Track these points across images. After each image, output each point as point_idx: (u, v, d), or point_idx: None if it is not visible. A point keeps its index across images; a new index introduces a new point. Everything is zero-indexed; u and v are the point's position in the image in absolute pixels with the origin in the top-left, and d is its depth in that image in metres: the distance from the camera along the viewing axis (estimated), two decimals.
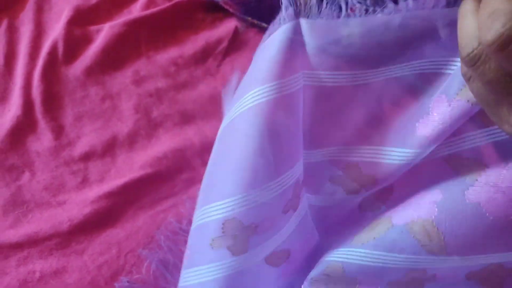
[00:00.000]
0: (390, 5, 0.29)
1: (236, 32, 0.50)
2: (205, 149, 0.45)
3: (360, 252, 0.33)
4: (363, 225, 0.35)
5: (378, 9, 0.29)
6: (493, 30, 0.19)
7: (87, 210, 0.42)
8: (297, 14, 0.31)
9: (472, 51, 0.22)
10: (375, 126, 0.33)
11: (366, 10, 0.30)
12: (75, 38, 0.48)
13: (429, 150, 0.32)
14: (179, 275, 0.41)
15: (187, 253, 0.35)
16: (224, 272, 0.32)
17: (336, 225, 0.38)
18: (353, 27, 0.30)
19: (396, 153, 0.33)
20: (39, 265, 0.41)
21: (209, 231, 0.32)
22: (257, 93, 0.31)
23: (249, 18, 0.51)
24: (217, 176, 0.34)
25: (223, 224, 0.31)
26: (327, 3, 0.30)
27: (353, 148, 0.34)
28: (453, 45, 0.29)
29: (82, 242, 0.42)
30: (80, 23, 0.49)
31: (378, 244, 0.32)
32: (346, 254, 0.33)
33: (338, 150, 0.35)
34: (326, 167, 0.35)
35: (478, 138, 0.32)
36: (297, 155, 0.34)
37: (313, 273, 0.34)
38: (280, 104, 0.31)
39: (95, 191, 0.43)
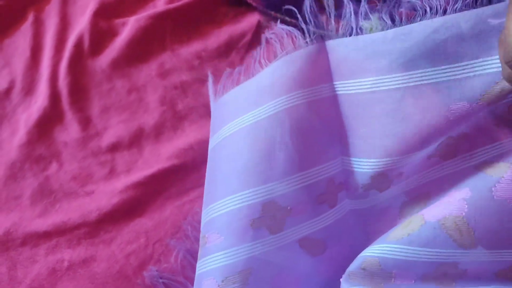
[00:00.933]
0: (388, 22, 0.37)
1: (258, 26, 0.51)
2: None
3: (395, 247, 0.34)
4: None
5: (380, 27, 0.37)
6: None
7: (115, 200, 0.43)
8: (323, 38, 0.40)
9: None
10: (397, 129, 0.36)
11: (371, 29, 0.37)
12: (101, 31, 0.49)
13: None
14: None
15: (216, 237, 0.37)
16: (261, 250, 0.36)
17: (377, 232, 0.40)
18: (360, 43, 0.37)
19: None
20: (68, 254, 0.42)
21: (250, 212, 0.36)
22: (289, 98, 0.37)
23: (272, 12, 0.51)
24: (249, 167, 0.37)
25: (262, 206, 0.36)
26: (342, 26, 0.39)
27: (370, 160, 0.37)
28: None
29: (111, 232, 0.43)
30: (105, 16, 0.50)
31: (412, 240, 0.34)
32: (382, 250, 0.35)
33: (360, 161, 0.38)
34: (356, 175, 0.38)
35: (506, 145, 0.35)
36: (329, 155, 0.38)
37: (351, 267, 0.36)
38: (309, 108, 0.38)
39: (122, 182, 0.44)
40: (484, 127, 0.35)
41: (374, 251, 0.35)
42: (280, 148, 0.37)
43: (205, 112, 0.47)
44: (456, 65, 0.32)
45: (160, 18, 0.49)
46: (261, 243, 0.36)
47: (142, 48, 0.48)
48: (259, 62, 0.43)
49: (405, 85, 0.34)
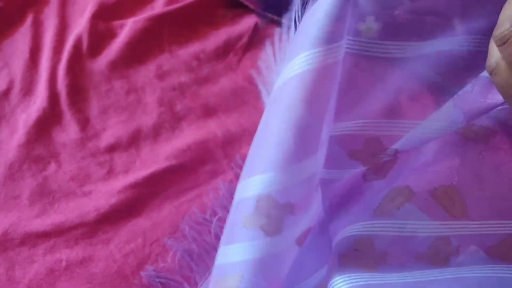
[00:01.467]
0: None
1: (256, 28, 0.51)
2: (227, 141, 0.46)
3: (387, 223, 0.33)
4: (369, 193, 0.35)
5: None
6: None
7: (113, 200, 0.43)
8: None
9: (503, 32, 0.23)
10: (403, 102, 0.34)
11: None
12: (99, 33, 0.49)
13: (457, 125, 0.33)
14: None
15: (225, 229, 0.33)
16: (256, 254, 0.30)
17: (341, 198, 0.37)
18: None
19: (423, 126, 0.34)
20: (66, 254, 0.42)
21: (243, 207, 0.31)
22: (302, 59, 0.30)
23: (269, 14, 0.51)
24: (258, 148, 0.32)
25: (257, 201, 0.30)
26: None
27: (375, 122, 0.34)
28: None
29: (108, 232, 0.43)
30: (104, 18, 0.50)
31: (404, 213, 0.33)
32: (373, 227, 0.34)
33: (360, 124, 0.34)
34: (346, 140, 0.34)
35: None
36: (329, 129, 0.33)
37: (341, 250, 0.33)
38: (323, 74, 0.30)
39: (121, 182, 0.44)
40: None
41: (365, 228, 0.33)
42: (288, 125, 0.30)
43: (203, 113, 0.48)
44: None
45: (158, 20, 0.50)
46: (256, 246, 0.30)
47: (140, 49, 0.49)
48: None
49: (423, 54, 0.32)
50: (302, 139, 0.30)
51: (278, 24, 0.50)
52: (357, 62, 0.33)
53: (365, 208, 0.36)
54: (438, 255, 0.34)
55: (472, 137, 0.34)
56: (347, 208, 0.36)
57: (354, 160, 0.35)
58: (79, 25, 0.50)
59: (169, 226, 0.43)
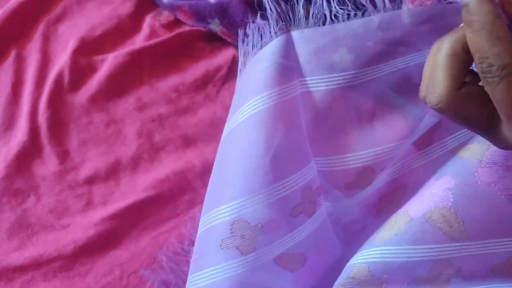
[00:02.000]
0: (369, 7, 0.32)
1: (234, 60, 0.53)
2: (206, 171, 0.47)
3: (384, 249, 0.33)
4: (382, 225, 0.36)
5: (359, 13, 0.32)
6: None
7: (91, 232, 0.43)
8: (287, 27, 0.34)
9: (423, 98, 0.27)
10: (369, 126, 0.35)
11: (348, 15, 0.33)
12: (80, 67, 0.50)
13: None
14: None
15: (194, 258, 0.36)
16: (234, 271, 0.33)
17: (354, 233, 0.39)
18: (338, 32, 0.33)
19: (394, 145, 0.35)
20: (43, 287, 0.42)
21: (219, 232, 0.34)
22: (257, 101, 0.34)
23: None
24: (222, 181, 0.35)
25: (231, 225, 0.33)
26: (313, 14, 0.34)
27: (354, 155, 0.35)
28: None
29: (86, 264, 0.43)
30: (85, 53, 0.51)
31: (400, 239, 0.33)
32: (370, 254, 0.34)
33: (341, 158, 0.36)
34: (337, 175, 0.36)
35: None
36: (303, 160, 0.35)
37: (339, 279, 0.34)
38: (280, 110, 0.34)
39: (98, 214, 0.44)
40: None
41: (362, 257, 0.34)
42: (250, 159, 0.34)
43: (182, 143, 0.48)
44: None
45: (138, 54, 0.51)
46: (234, 264, 0.34)
47: (121, 83, 0.50)
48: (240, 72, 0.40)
49: (386, 73, 0.33)
50: (266, 168, 0.33)
51: None
52: (315, 98, 0.35)
53: (367, 240, 0.36)
54: (440, 277, 0.33)
55: (467, 156, 0.34)
56: (361, 243, 0.37)
57: (351, 189, 0.37)
58: (61, 60, 0.51)
59: (147, 257, 0.43)
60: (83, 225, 0.44)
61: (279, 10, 0.34)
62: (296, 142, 0.35)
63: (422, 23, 0.33)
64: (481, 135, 0.26)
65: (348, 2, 0.33)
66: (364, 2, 0.32)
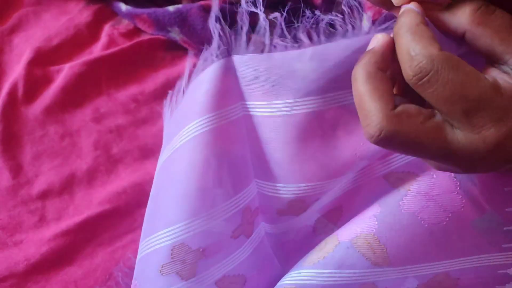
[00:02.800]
0: (305, 40, 0.33)
1: (195, 68, 0.52)
2: None
3: (312, 272, 0.33)
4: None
5: (295, 45, 0.34)
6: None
7: (44, 249, 0.42)
8: (229, 52, 0.35)
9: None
10: (294, 161, 0.34)
11: (285, 46, 0.34)
12: (35, 78, 0.49)
13: (357, 169, 0.34)
14: None
15: (134, 284, 0.35)
16: None
17: (294, 251, 0.39)
18: (276, 60, 0.33)
19: (322, 184, 0.35)
20: None
21: (158, 258, 0.33)
22: (197, 124, 0.34)
23: None
24: (162, 205, 0.35)
25: (171, 250, 0.33)
26: (254, 41, 0.35)
27: (289, 186, 0.35)
28: None
29: (39, 282, 0.41)
30: (41, 64, 0.50)
31: (327, 262, 0.33)
32: (299, 276, 0.34)
33: (275, 187, 0.36)
34: (271, 200, 0.36)
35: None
36: (244, 182, 0.35)
37: None
38: (221, 133, 0.34)
39: (52, 230, 0.43)
40: None
41: (292, 279, 0.34)
42: (190, 181, 0.33)
43: (141, 155, 0.47)
44: None
45: (96, 64, 0.50)
46: None
47: (77, 94, 0.49)
48: (183, 91, 0.40)
49: (321, 107, 0.33)
50: (206, 192, 0.33)
51: None
52: (254, 122, 0.35)
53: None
54: None
55: (395, 183, 0.35)
56: (297, 261, 0.37)
57: (284, 215, 0.37)
58: (16, 72, 0.49)
59: (102, 273, 0.41)
60: (36, 242, 0.42)
61: (221, 34, 0.35)
62: (236, 164, 0.35)
63: (355, 53, 0.32)
64: (437, 156, 0.24)
65: (288, 36, 0.34)
66: (302, 37, 0.34)
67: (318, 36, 0.33)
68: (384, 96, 0.23)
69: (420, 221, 0.32)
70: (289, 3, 0.54)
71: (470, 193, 0.32)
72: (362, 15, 0.51)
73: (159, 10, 0.53)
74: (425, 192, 0.32)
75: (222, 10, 0.54)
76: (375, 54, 0.25)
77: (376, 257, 0.32)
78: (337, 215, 0.37)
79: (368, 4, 0.49)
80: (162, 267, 0.33)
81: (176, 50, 0.53)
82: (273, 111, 0.34)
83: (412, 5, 0.24)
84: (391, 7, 0.26)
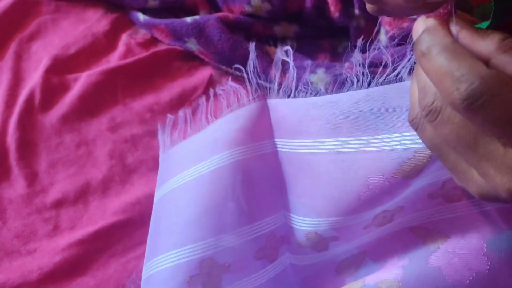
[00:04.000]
0: (323, 91, 0.39)
1: (210, 79, 0.52)
2: None
3: None
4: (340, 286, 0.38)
5: (315, 93, 0.39)
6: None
7: (57, 258, 0.42)
8: (265, 96, 0.41)
9: (414, 118, 0.24)
10: (314, 196, 0.36)
11: (306, 93, 0.39)
12: (52, 86, 0.49)
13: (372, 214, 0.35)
14: None
15: None
16: None
17: (317, 286, 0.40)
18: (296, 105, 0.38)
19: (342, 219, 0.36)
20: None
21: (187, 270, 0.35)
22: (232, 153, 0.38)
23: (223, 67, 0.52)
24: (190, 221, 0.37)
25: (200, 263, 0.35)
26: (283, 88, 0.41)
27: (305, 219, 0.37)
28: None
29: None
30: (58, 72, 0.50)
31: None
32: None
33: (296, 218, 0.38)
34: (294, 231, 0.38)
35: (442, 213, 0.36)
36: (270, 210, 0.38)
37: None
38: (252, 163, 0.38)
39: (66, 239, 0.43)
40: (418, 201, 0.35)
41: None
42: (222, 203, 0.36)
43: (155, 165, 0.47)
44: (374, 137, 0.32)
45: (113, 73, 0.50)
46: None
47: (93, 102, 0.49)
48: (206, 117, 0.44)
49: (332, 150, 0.35)
50: (233, 213, 0.37)
51: (232, 76, 0.51)
52: (282, 158, 0.39)
53: None
54: None
55: (424, 238, 0.36)
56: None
57: (305, 247, 0.38)
58: (33, 79, 0.50)
59: (115, 284, 0.41)
60: (50, 251, 0.42)
61: (258, 81, 0.42)
62: (263, 193, 0.38)
63: (369, 102, 0.34)
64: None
65: (310, 84, 0.41)
66: (321, 87, 0.41)
67: (333, 86, 0.38)
68: (474, 57, 0.20)
69: (444, 276, 0.33)
70: (306, 16, 0.54)
71: (497, 259, 0.33)
72: (380, 29, 0.51)
73: (176, 21, 0.53)
74: (452, 250, 0.34)
75: (238, 22, 0.54)
76: (437, 29, 0.22)
77: None
78: (361, 259, 0.38)
79: (386, 19, 0.49)
80: (190, 278, 0.35)
81: (192, 61, 0.53)
82: (296, 149, 0.37)
83: (434, 22, 0.23)
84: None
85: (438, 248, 0.34)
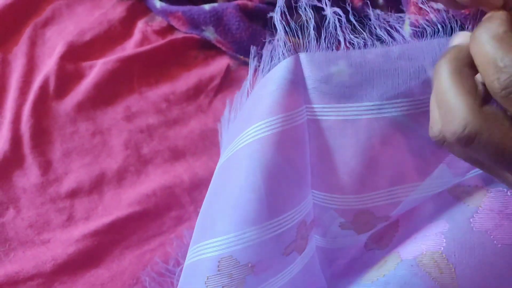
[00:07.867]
0: (387, 38, 0.30)
1: (228, 69, 0.51)
2: (195, 186, 0.45)
3: None
4: (371, 264, 0.34)
5: (377, 42, 0.30)
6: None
7: (71, 249, 0.41)
8: (296, 49, 0.31)
9: (437, 136, 0.23)
10: (372, 167, 0.32)
11: (364, 44, 0.30)
12: (67, 74, 0.48)
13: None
14: None
15: None
16: None
17: (344, 268, 0.37)
18: (354, 59, 0.30)
19: (399, 190, 0.32)
20: None
21: (204, 268, 0.31)
22: (259, 127, 0.30)
23: (241, 57, 0.51)
24: (214, 212, 0.32)
25: (219, 262, 0.30)
26: (325, 37, 0.31)
27: (360, 196, 0.33)
28: None
29: (65, 283, 0.40)
30: (73, 59, 0.49)
31: (388, 280, 0.31)
32: None
33: (343, 199, 0.33)
34: (333, 214, 0.34)
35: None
36: (303, 194, 0.32)
37: None
38: (284, 138, 0.30)
39: (80, 230, 0.42)
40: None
41: None
42: (241, 192, 0.30)
43: (171, 156, 0.46)
44: None
45: (128, 61, 0.49)
46: None
47: (109, 91, 0.48)
48: (247, 93, 0.37)
49: (412, 111, 0.30)
50: (262, 203, 0.30)
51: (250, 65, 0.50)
52: (320, 127, 0.32)
53: (355, 278, 0.34)
54: None
55: (464, 199, 0.32)
56: (349, 278, 0.35)
57: (346, 229, 0.35)
58: (48, 66, 0.49)
59: (129, 277, 0.40)
60: (64, 241, 0.42)
61: (287, 29, 0.31)
62: (296, 174, 0.31)
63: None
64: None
65: (363, 32, 0.30)
66: (381, 34, 0.30)
67: (402, 35, 0.30)
68: (470, 92, 0.21)
69: (493, 241, 0.30)
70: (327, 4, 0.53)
71: None
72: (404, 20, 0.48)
73: (194, 8, 0.51)
74: (498, 210, 0.30)
75: (258, 10, 0.52)
76: (461, 51, 0.23)
77: (443, 277, 0.30)
78: (393, 231, 0.35)
79: (411, 9, 0.47)
80: (208, 278, 0.31)
81: (209, 50, 0.52)
82: (349, 115, 0.30)
83: (502, 13, 0.22)
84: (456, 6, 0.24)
85: (480, 207, 0.31)
